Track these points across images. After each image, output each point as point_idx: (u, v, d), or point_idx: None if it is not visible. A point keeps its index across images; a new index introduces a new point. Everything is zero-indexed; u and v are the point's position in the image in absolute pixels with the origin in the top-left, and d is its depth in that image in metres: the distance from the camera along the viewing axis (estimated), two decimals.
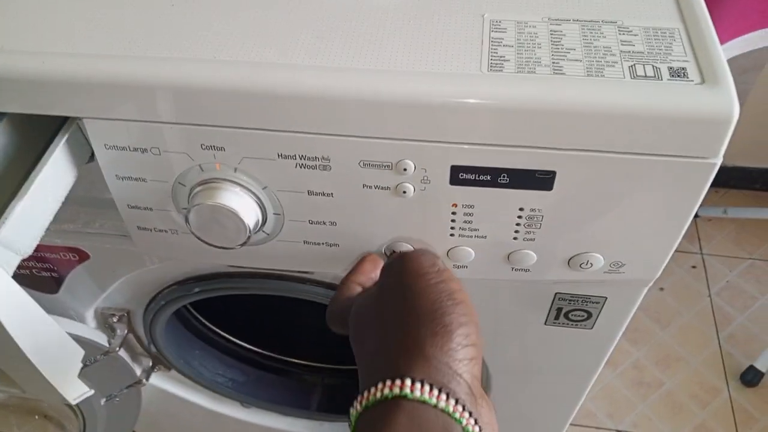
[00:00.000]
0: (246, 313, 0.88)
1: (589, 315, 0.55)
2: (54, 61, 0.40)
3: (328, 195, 0.44)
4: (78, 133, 0.45)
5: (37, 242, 0.42)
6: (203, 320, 0.84)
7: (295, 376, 0.90)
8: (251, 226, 0.44)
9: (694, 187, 0.41)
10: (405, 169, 0.41)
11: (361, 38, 0.41)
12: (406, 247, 0.47)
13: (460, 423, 0.31)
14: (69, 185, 0.45)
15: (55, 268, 0.61)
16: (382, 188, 0.43)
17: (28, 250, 0.42)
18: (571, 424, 0.80)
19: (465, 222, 0.45)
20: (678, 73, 0.39)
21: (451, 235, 0.46)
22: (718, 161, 0.39)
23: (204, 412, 0.89)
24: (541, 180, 0.41)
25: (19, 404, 0.68)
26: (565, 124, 0.38)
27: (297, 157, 0.42)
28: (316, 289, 0.60)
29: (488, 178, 0.41)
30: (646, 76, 0.38)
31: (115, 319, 0.70)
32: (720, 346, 1.40)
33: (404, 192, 0.43)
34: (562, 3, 0.43)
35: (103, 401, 0.76)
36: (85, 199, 0.52)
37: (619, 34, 0.41)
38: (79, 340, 0.62)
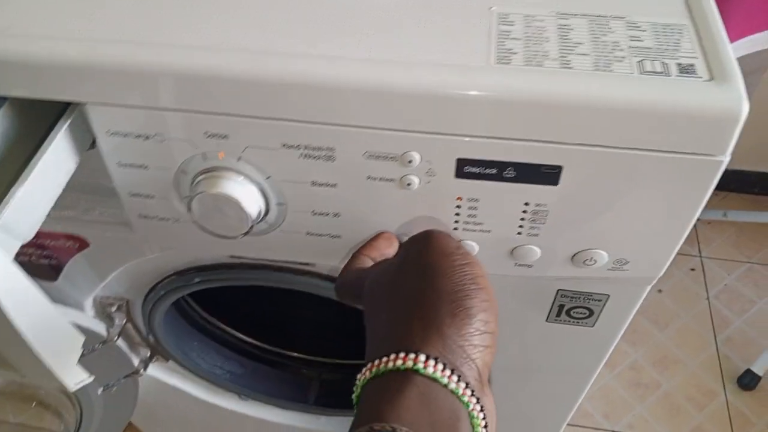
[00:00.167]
0: (245, 306, 0.88)
1: (591, 313, 0.55)
2: (59, 45, 0.40)
3: (332, 186, 0.44)
4: (80, 120, 0.44)
5: (38, 228, 0.42)
6: (202, 312, 0.84)
7: (293, 370, 0.90)
8: (253, 216, 0.44)
9: (701, 185, 0.40)
10: (410, 161, 0.41)
11: (368, 29, 0.41)
12: None
13: (467, 407, 0.31)
14: (70, 172, 0.45)
15: (55, 256, 0.61)
16: (386, 180, 0.43)
17: (29, 235, 0.41)
18: (567, 424, 0.80)
19: (469, 216, 0.44)
20: (687, 70, 0.38)
21: (455, 228, 0.46)
22: (726, 159, 0.39)
23: (201, 403, 0.89)
24: (548, 174, 0.41)
25: (17, 391, 0.68)
26: (573, 118, 0.38)
27: (301, 147, 0.42)
28: (317, 281, 0.59)
29: (494, 171, 0.41)
30: (654, 71, 0.38)
31: (113, 309, 0.70)
32: (717, 349, 1.40)
33: (409, 184, 0.43)
34: None
35: (100, 391, 0.76)
36: (86, 186, 0.52)
37: (628, 29, 0.41)
38: (77, 328, 0.62)
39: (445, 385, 0.31)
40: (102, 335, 0.70)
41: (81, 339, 0.44)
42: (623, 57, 0.39)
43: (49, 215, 0.43)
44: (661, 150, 0.39)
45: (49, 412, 0.72)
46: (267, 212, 0.46)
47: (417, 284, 0.35)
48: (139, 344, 0.78)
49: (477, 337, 0.33)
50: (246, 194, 0.44)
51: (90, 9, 0.42)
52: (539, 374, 0.69)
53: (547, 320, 0.57)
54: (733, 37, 0.77)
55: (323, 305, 0.90)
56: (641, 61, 0.39)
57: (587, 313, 0.55)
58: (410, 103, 0.38)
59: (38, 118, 0.45)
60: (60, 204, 0.45)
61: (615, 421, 1.29)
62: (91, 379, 0.46)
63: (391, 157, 0.41)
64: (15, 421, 0.79)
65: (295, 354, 0.91)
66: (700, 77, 0.38)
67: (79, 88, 0.41)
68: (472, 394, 0.31)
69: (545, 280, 0.52)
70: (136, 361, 0.78)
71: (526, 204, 0.43)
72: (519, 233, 0.45)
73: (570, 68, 0.38)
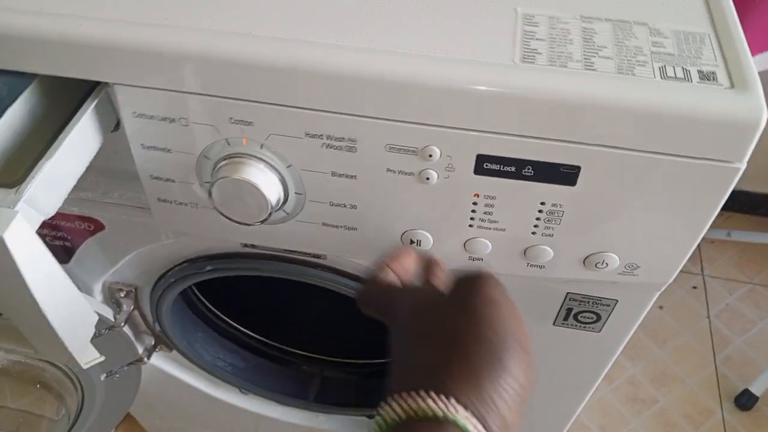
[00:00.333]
0: (249, 301, 0.88)
1: (599, 317, 0.55)
2: (92, 25, 0.40)
3: (351, 177, 0.45)
4: (106, 100, 0.45)
5: (60, 205, 0.43)
6: (208, 304, 0.84)
7: (294, 366, 0.90)
8: (273, 203, 0.45)
9: (716, 191, 0.41)
10: (430, 156, 0.42)
11: (395, 22, 0.42)
12: (424, 235, 0.48)
13: None
14: (94, 151, 0.45)
15: (69, 238, 0.61)
16: (405, 173, 0.44)
17: (51, 211, 0.42)
18: None
19: (485, 213, 0.45)
20: (708, 77, 0.39)
21: (470, 225, 0.46)
22: (743, 166, 0.39)
23: (201, 396, 0.89)
24: (566, 174, 0.41)
25: (22, 371, 0.68)
26: (594, 119, 0.38)
27: (324, 136, 0.42)
28: (327, 274, 0.60)
29: (513, 169, 0.41)
30: (676, 77, 0.39)
31: (122, 294, 0.70)
32: (716, 368, 1.40)
33: (427, 179, 0.43)
34: (594, 2, 0.44)
35: (103, 377, 0.76)
36: (106, 169, 0.52)
37: (651, 35, 0.42)
38: None
39: None
40: (109, 320, 0.70)
41: (95, 318, 0.45)
42: (646, 62, 0.40)
43: (68, 195, 0.44)
44: (679, 155, 0.39)
45: (52, 395, 0.73)
46: (285, 201, 0.46)
47: (461, 326, 0.35)
48: (144, 332, 0.79)
49: (508, 394, 0.33)
50: (267, 181, 0.44)
51: None
52: (540, 384, 0.70)
53: (554, 324, 0.57)
54: (754, 51, 0.77)
55: (326, 303, 0.90)
56: (663, 66, 0.39)
57: (594, 317, 0.55)
58: (434, 98, 0.39)
59: (65, 97, 0.46)
60: (79, 185, 0.45)
61: None
62: (103, 358, 0.46)
63: (412, 151, 0.42)
64: (14, 405, 0.79)
65: (297, 351, 0.92)
66: (721, 85, 0.38)
67: (108, 68, 0.42)
68: None
69: (555, 283, 0.53)
70: (140, 349, 0.79)
71: (543, 203, 0.43)
72: (533, 233, 0.46)
73: (593, 70, 0.39)
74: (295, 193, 0.46)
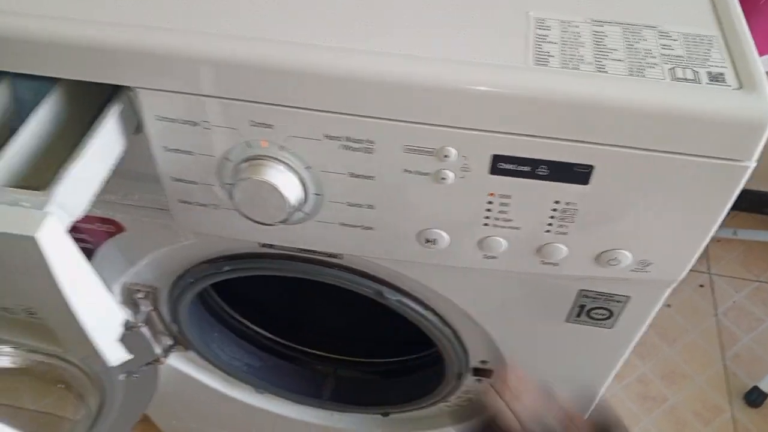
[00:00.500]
0: (264, 301, 0.89)
1: (611, 314, 0.56)
2: (116, 31, 0.42)
3: (369, 178, 0.46)
4: (128, 104, 0.46)
5: (87, 206, 0.44)
6: (223, 304, 0.85)
7: (308, 366, 0.92)
8: (292, 204, 0.46)
9: (726, 189, 0.42)
10: (446, 156, 0.43)
11: (410, 27, 0.43)
12: (439, 234, 0.49)
13: None
14: (118, 154, 0.47)
15: (89, 239, 0.63)
16: (422, 174, 0.45)
17: (79, 212, 0.43)
18: None
19: (500, 212, 0.46)
20: (716, 78, 0.40)
21: (485, 224, 0.47)
22: (752, 165, 0.40)
23: (217, 395, 0.90)
24: (579, 174, 0.42)
25: (44, 371, 0.69)
26: (607, 120, 0.39)
27: (343, 138, 0.44)
28: (343, 273, 0.61)
29: (527, 169, 0.43)
30: (685, 78, 0.40)
31: (140, 295, 0.71)
32: (725, 366, 1.40)
33: (443, 179, 0.44)
34: (603, 6, 0.45)
35: (122, 377, 0.77)
36: (127, 172, 0.54)
37: (660, 38, 0.43)
38: None
39: None
40: (128, 321, 0.71)
41: (122, 317, 0.46)
42: (655, 64, 0.41)
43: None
44: (689, 153, 0.40)
45: (73, 395, 0.74)
46: (305, 201, 0.48)
47: None
48: (161, 333, 0.80)
49: None
50: (286, 182, 0.45)
51: None
52: (553, 381, 0.70)
53: (567, 320, 0.58)
54: (760, 52, 0.78)
55: (339, 303, 0.92)
56: (673, 68, 0.41)
57: (607, 314, 0.56)
58: (450, 100, 0.40)
59: (85, 101, 0.47)
60: (101, 187, 0.47)
61: None
62: (130, 356, 0.47)
63: (429, 152, 0.43)
64: (33, 406, 0.80)
65: (311, 350, 0.93)
66: (730, 86, 0.39)
67: (132, 73, 0.43)
68: None
69: (568, 280, 0.54)
70: (157, 350, 0.80)
71: (557, 202, 0.45)
72: (547, 231, 0.47)
73: (605, 72, 0.40)
74: (314, 193, 0.48)
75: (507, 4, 0.45)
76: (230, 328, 0.87)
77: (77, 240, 0.63)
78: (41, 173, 0.45)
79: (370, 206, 0.48)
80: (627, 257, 0.48)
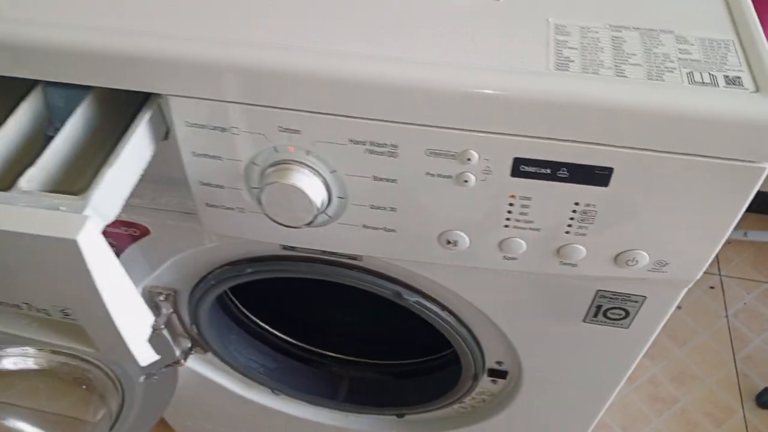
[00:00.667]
0: (280, 305, 0.91)
1: (627, 314, 0.57)
2: (149, 40, 0.43)
3: (392, 181, 0.47)
4: (158, 111, 0.48)
5: (119, 210, 0.45)
6: (240, 307, 0.87)
7: (323, 367, 0.93)
8: (318, 207, 0.47)
9: (743, 190, 0.43)
10: (469, 159, 0.44)
11: (433, 34, 0.44)
12: (460, 235, 0.50)
13: None
14: (148, 160, 0.48)
15: (114, 243, 0.64)
16: (444, 177, 0.46)
17: (112, 216, 0.44)
18: None
19: (521, 214, 0.47)
20: (733, 82, 0.41)
21: (506, 226, 0.48)
22: None
23: (234, 397, 0.91)
24: (599, 176, 0.43)
25: (68, 373, 0.71)
26: (626, 123, 0.40)
27: (367, 143, 0.45)
28: (362, 275, 0.62)
29: (548, 171, 0.44)
30: (703, 82, 0.41)
31: (161, 298, 0.73)
32: (736, 367, 1.41)
33: (465, 181, 0.45)
34: (621, 12, 0.46)
35: (142, 379, 0.79)
36: (153, 176, 0.55)
37: (677, 43, 0.44)
38: None
39: None
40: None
41: (152, 318, 0.47)
42: (674, 68, 0.42)
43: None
44: (707, 155, 0.41)
45: (96, 395, 0.75)
46: (328, 204, 0.49)
47: None
48: (180, 335, 0.81)
49: None
50: (312, 186, 0.46)
51: (175, 6, 0.45)
52: (567, 380, 0.72)
53: (584, 320, 0.59)
54: None
55: (354, 306, 0.93)
56: (690, 72, 0.42)
57: (623, 314, 0.57)
58: (473, 104, 0.41)
59: (114, 108, 0.49)
60: (131, 192, 0.48)
61: None
62: (158, 357, 0.49)
63: (451, 155, 0.44)
64: (54, 408, 0.82)
65: (326, 352, 0.94)
66: (747, 89, 0.40)
67: (164, 81, 0.44)
68: None
69: (586, 280, 0.55)
70: (177, 352, 0.81)
71: (576, 204, 0.46)
72: (567, 232, 0.48)
73: (624, 77, 0.41)
74: (338, 197, 0.49)
75: (527, 11, 0.46)
76: (247, 330, 0.88)
77: None
78: (74, 178, 0.46)
79: (393, 209, 0.49)
80: (644, 257, 0.49)
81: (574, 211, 0.46)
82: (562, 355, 0.67)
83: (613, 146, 0.42)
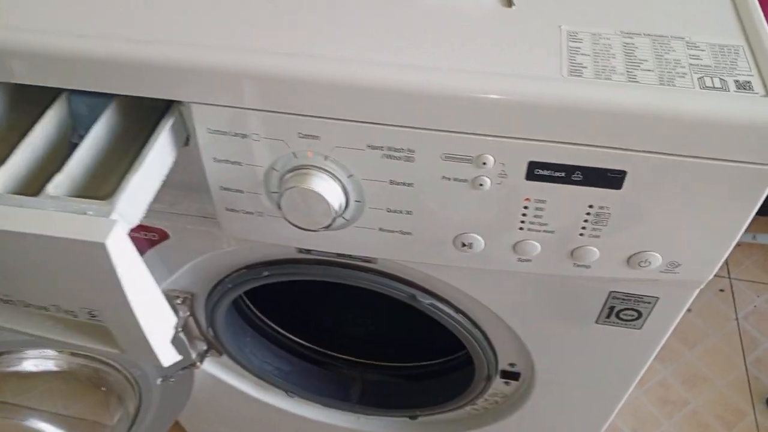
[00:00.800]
0: (293, 308, 0.92)
1: (640, 315, 0.58)
2: (174, 49, 0.44)
3: (408, 185, 0.48)
4: (179, 118, 0.49)
5: (143, 215, 0.46)
6: (254, 309, 0.88)
7: (337, 370, 0.94)
8: (336, 211, 0.48)
9: (754, 192, 0.44)
10: (484, 163, 0.45)
11: (448, 42, 0.45)
12: (475, 238, 0.51)
13: None
14: (170, 166, 0.49)
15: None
16: (460, 180, 0.47)
17: (136, 221, 0.46)
18: None
19: (535, 216, 0.48)
20: (744, 86, 0.42)
21: (521, 228, 0.49)
22: None
23: (249, 400, 0.92)
24: (613, 179, 0.44)
25: (89, 375, 0.72)
26: (639, 127, 0.41)
27: (384, 148, 0.46)
28: (377, 278, 0.63)
29: (563, 174, 0.45)
30: (714, 87, 0.42)
31: (179, 301, 0.74)
32: (746, 370, 1.41)
33: (481, 185, 0.46)
34: (632, 19, 0.47)
35: (159, 381, 0.80)
36: (173, 182, 0.56)
37: (688, 48, 0.45)
38: None
39: None
40: None
41: (175, 319, 0.48)
42: (685, 73, 0.43)
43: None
44: (718, 158, 0.42)
45: (114, 397, 0.77)
46: (345, 208, 0.50)
47: None
48: (196, 338, 0.82)
49: None
50: (330, 190, 0.48)
51: (196, 15, 0.46)
52: (579, 385, 0.72)
53: (597, 322, 0.60)
54: None
55: (366, 309, 0.94)
56: (701, 77, 0.42)
57: (636, 315, 0.58)
58: (489, 109, 0.42)
59: (136, 114, 0.50)
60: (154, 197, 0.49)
61: None
62: (180, 357, 0.50)
63: (467, 159, 0.45)
64: (72, 409, 0.83)
65: (339, 355, 0.95)
66: (757, 93, 0.41)
67: (187, 88, 0.45)
68: None
69: (599, 282, 0.56)
70: (193, 355, 0.82)
71: (590, 206, 0.46)
72: (581, 234, 0.49)
73: (636, 82, 0.42)
74: (355, 200, 0.50)
75: (540, 19, 0.47)
76: (262, 333, 0.89)
77: None
78: (98, 184, 0.47)
79: (409, 212, 0.50)
80: (657, 259, 0.49)
81: (588, 214, 0.47)
82: (575, 357, 0.68)
83: (626, 150, 0.42)
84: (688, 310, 1.49)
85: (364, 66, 0.43)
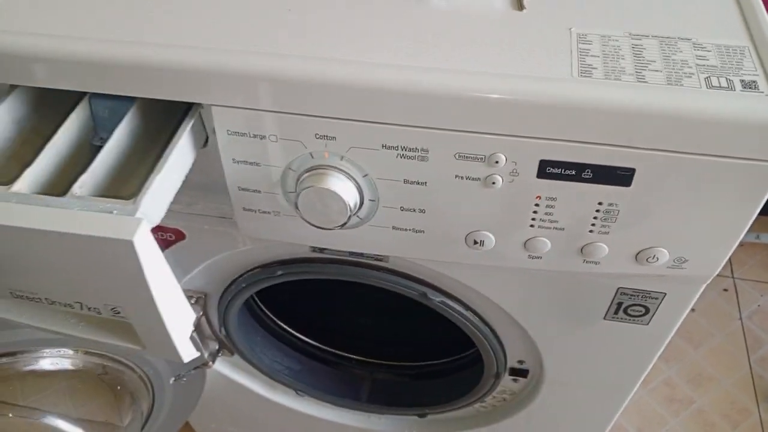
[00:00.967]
0: (303, 308, 0.93)
1: (647, 311, 0.59)
2: (193, 53, 0.45)
3: (422, 184, 0.49)
4: (199, 120, 0.50)
5: (164, 215, 0.48)
6: (265, 309, 0.89)
7: (346, 369, 0.95)
8: (351, 210, 0.49)
9: (759, 189, 0.45)
10: (497, 162, 0.46)
11: (461, 44, 0.46)
12: (487, 235, 0.52)
13: None
14: (189, 166, 0.50)
15: None
16: (472, 179, 0.48)
17: (157, 220, 0.47)
18: None
19: (546, 214, 0.49)
20: (749, 86, 0.43)
21: (531, 225, 0.50)
22: None
23: (259, 399, 0.94)
24: (622, 176, 0.45)
25: (104, 374, 0.73)
26: (648, 126, 0.43)
27: (399, 148, 0.47)
28: (388, 276, 0.64)
29: (573, 172, 0.46)
30: (720, 86, 0.43)
31: (192, 301, 0.75)
32: (751, 368, 1.42)
33: (493, 183, 0.48)
34: (640, 21, 0.48)
35: (171, 380, 0.81)
36: (191, 183, 0.58)
37: (694, 49, 0.46)
38: None
39: None
40: None
41: (194, 315, 0.50)
42: (692, 74, 0.44)
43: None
44: (725, 156, 0.43)
45: (128, 396, 0.78)
46: (360, 207, 0.51)
47: None
48: (208, 337, 0.84)
49: None
50: (346, 190, 0.49)
51: (214, 20, 0.48)
52: (586, 381, 0.73)
53: (605, 318, 0.61)
54: None
55: (375, 309, 0.95)
56: (708, 77, 0.44)
57: (643, 311, 0.59)
58: (501, 109, 0.44)
59: (156, 116, 0.51)
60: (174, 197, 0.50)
61: None
62: (199, 354, 0.51)
63: (480, 158, 0.47)
64: (84, 409, 0.84)
65: (348, 354, 0.96)
66: (762, 92, 0.43)
67: (207, 91, 0.47)
68: None
69: (607, 278, 0.57)
70: (205, 354, 0.83)
71: (600, 203, 0.48)
72: (591, 231, 0.50)
73: (645, 82, 0.43)
74: (369, 200, 0.51)
75: (550, 22, 0.48)
76: (272, 333, 0.90)
77: None
78: (119, 184, 0.48)
79: (422, 210, 0.51)
80: (665, 254, 0.51)
81: (597, 211, 0.48)
82: (583, 353, 0.69)
83: (636, 148, 0.44)
84: (692, 309, 1.50)
85: (380, 68, 0.44)
